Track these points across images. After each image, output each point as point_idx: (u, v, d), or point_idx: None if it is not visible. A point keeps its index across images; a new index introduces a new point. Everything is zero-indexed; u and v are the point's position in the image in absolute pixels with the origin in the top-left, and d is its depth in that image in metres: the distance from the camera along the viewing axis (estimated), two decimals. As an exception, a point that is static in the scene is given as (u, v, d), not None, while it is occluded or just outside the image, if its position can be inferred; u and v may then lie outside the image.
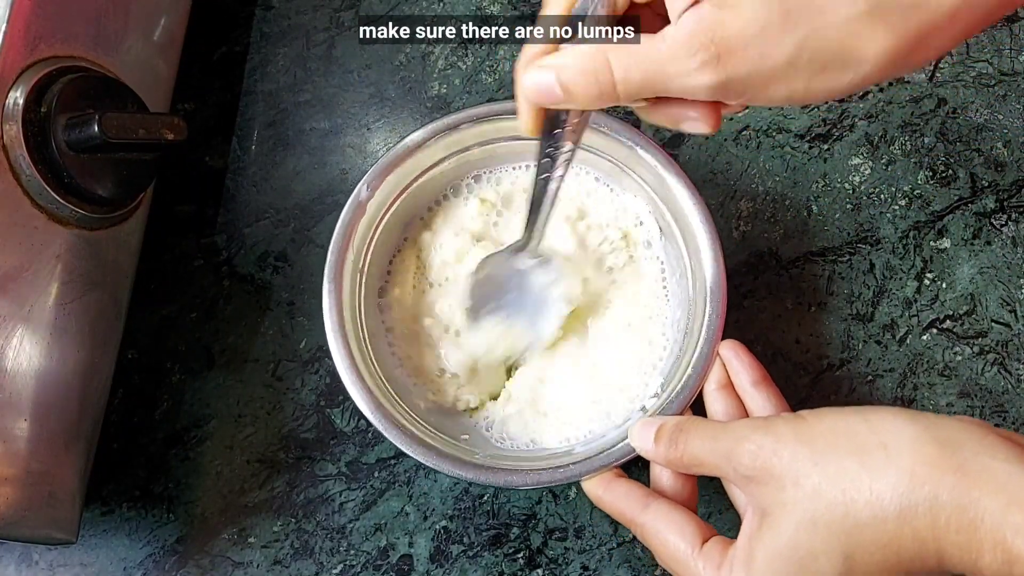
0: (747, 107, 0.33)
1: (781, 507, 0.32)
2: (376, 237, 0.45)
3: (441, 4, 0.56)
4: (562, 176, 0.38)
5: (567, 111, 0.35)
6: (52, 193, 0.40)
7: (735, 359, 0.41)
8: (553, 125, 0.36)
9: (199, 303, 0.51)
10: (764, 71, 0.29)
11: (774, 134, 0.51)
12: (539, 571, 0.45)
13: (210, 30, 0.56)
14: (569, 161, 0.37)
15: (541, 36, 0.33)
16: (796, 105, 0.36)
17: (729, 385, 0.41)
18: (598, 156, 0.46)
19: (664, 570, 0.45)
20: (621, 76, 0.31)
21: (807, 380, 0.47)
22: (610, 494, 0.38)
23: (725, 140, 0.51)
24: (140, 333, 0.51)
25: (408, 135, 0.45)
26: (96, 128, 0.40)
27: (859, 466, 0.31)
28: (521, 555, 0.46)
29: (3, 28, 0.39)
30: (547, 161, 0.37)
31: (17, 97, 0.39)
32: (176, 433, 0.49)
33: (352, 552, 0.46)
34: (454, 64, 0.54)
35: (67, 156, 0.40)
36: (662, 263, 0.46)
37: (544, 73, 0.32)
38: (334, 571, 0.46)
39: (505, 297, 0.44)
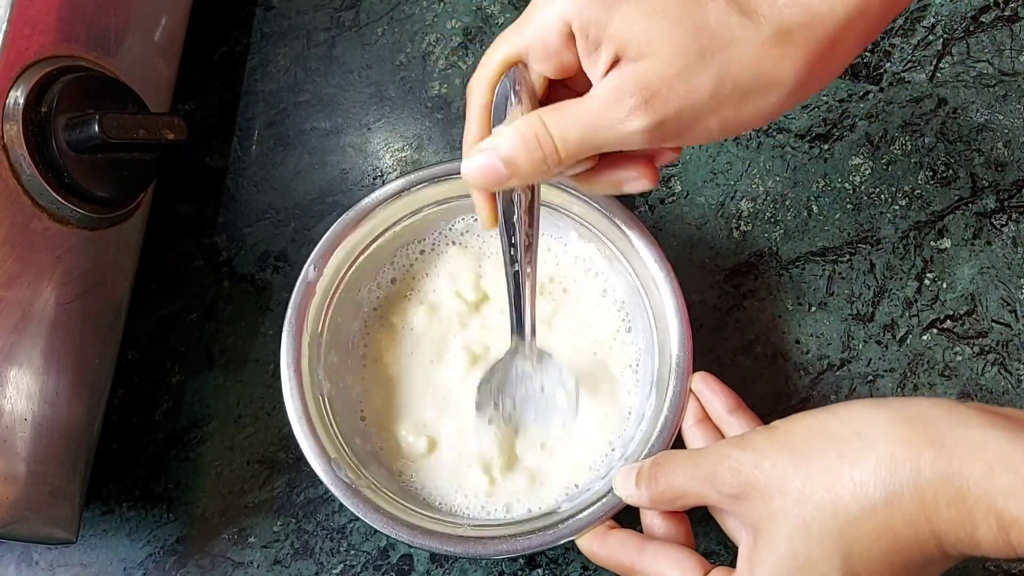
0: (679, 158, 0.35)
1: (772, 519, 0.32)
2: (330, 315, 0.45)
3: (441, 4, 0.56)
4: (532, 265, 0.38)
5: (518, 195, 0.36)
6: (52, 193, 0.40)
7: (707, 390, 0.41)
8: (508, 212, 0.37)
9: (199, 303, 0.51)
10: (692, 106, 0.30)
11: (775, 134, 0.51)
12: (539, 571, 0.45)
13: (210, 30, 0.56)
14: (533, 247, 0.38)
15: (473, 131, 0.35)
16: (731, 136, 0.37)
17: (706, 419, 0.41)
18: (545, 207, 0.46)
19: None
20: (559, 136, 0.32)
21: (807, 380, 0.47)
22: (605, 547, 0.38)
23: (725, 140, 0.51)
24: (140, 333, 0.51)
25: (350, 207, 0.45)
26: (96, 128, 0.40)
27: (838, 460, 0.31)
28: (521, 555, 0.46)
29: (4, 28, 0.39)
30: (513, 252, 0.38)
31: (18, 97, 0.39)
32: (176, 433, 0.49)
33: (352, 552, 0.46)
34: (454, 64, 0.54)
35: (67, 156, 0.40)
36: (624, 311, 0.46)
37: (484, 155, 0.33)
38: (334, 571, 0.46)
39: (513, 402, 0.43)
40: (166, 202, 0.52)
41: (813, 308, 0.48)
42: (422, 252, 0.48)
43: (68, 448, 0.44)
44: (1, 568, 0.48)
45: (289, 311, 0.43)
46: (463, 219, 0.47)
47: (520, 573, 0.45)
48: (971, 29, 0.52)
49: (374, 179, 0.53)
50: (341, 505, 0.47)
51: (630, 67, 0.30)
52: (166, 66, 0.51)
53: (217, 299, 0.51)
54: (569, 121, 0.32)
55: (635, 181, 0.35)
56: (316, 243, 0.51)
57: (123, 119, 0.41)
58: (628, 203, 0.45)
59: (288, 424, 0.48)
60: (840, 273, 0.48)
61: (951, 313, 0.47)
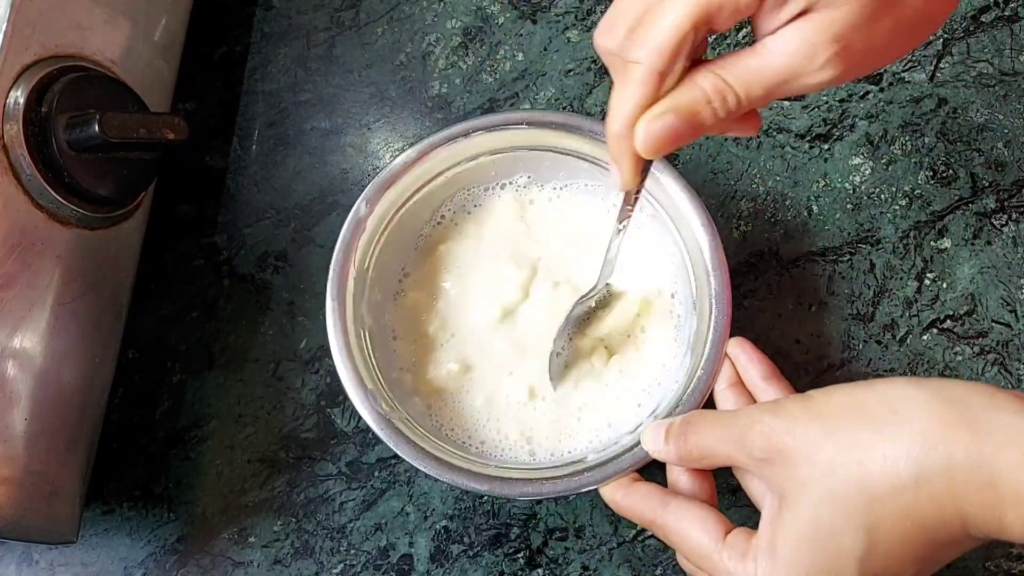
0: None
1: (798, 486, 0.32)
2: (377, 252, 0.45)
3: (441, 4, 0.56)
4: (631, 218, 0.40)
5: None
6: (53, 193, 0.40)
7: (743, 355, 0.41)
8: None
9: (199, 303, 0.51)
10: (872, 53, 0.31)
11: (774, 134, 0.51)
12: (539, 571, 0.45)
13: (211, 30, 0.56)
14: (639, 203, 0.40)
15: (638, 97, 0.32)
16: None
17: (739, 383, 0.41)
18: (593, 164, 0.46)
19: (664, 570, 0.45)
20: (744, 93, 0.31)
21: (808, 380, 0.47)
22: (629, 498, 0.38)
23: (725, 140, 0.51)
24: (140, 333, 0.51)
25: (406, 148, 0.45)
26: (97, 128, 0.40)
27: (871, 434, 0.30)
28: (521, 555, 0.46)
29: (4, 28, 0.39)
30: (627, 208, 0.39)
31: (18, 97, 0.39)
32: (176, 433, 0.49)
33: (352, 552, 0.46)
34: (455, 64, 0.54)
35: (68, 156, 0.40)
36: (668, 272, 0.46)
37: (668, 118, 0.32)
38: (334, 571, 0.46)
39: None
40: (166, 202, 0.52)
41: (813, 308, 0.48)
42: (473, 201, 0.48)
43: (68, 448, 0.44)
44: (2, 568, 0.48)
45: (338, 244, 0.43)
46: (516, 176, 0.48)
47: (520, 573, 0.45)
48: (971, 29, 0.52)
49: (374, 179, 0.53)
50: (341, 504, 0.47)
51: (822, 17, 0.30)
52: (166, 66, 0.51)
53: (217, 299, 0.51)
54: (755, 78, 0.31)
55: (742, 127, 0.34)
56: (316, 243, 0.51)
57: (123, 119, 0.41)
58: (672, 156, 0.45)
59: (288, 423, 0.49)
60: (840, 273, 0.48)
61: (951, 313, 0.47)
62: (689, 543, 0.35)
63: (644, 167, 0.36)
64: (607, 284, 0.44)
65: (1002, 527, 0.28)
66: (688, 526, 0.35)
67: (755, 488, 0.36)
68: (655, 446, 0.38)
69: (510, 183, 0.48)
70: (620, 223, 0.40)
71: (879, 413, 0.31)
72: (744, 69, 0.31)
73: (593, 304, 0.44)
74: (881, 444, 0.30)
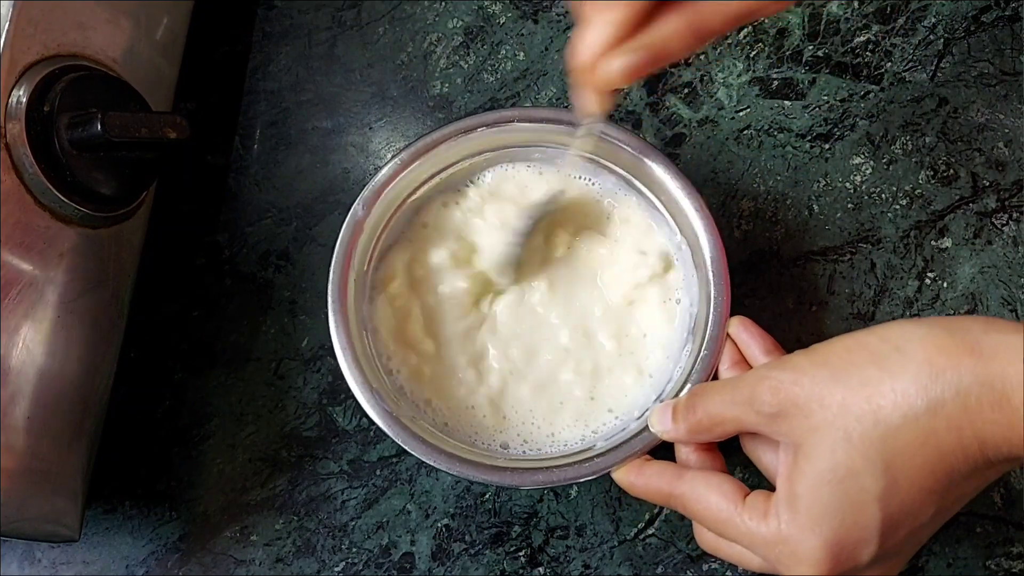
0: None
1: (812, 433, 0.32)
2: (376, 254, 0.45)
3: (442, 3, 0.56)
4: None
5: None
6: (55, 192, 0.40)
7: (744, 333, 0.41)
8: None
9: (201, 302, 0.51)
10: None
11: (775, 134, 0.51)
12: (540, 569, 0.45)
13: (212, 29, 0.56)
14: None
15: (608, 33, 0.32)
16: None
17: (742, 362, 0.41)
18: (595, 163, 0.46)
19: (665, 568, 0.45)
20: (717, 25, 0.31)
21: (808, 379, 0.47)
22: (643, 477, 0.38)
23: (726, 139, 0.51)
24: (142, 332, 0.51)
25: (407, 148, 0.45)
26: (99, 127, 0.40)
27: (879, 371, 0.31)
28: (522, 553, 0.46)
29: (6, 27, 0.39)
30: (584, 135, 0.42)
31: (20, 96, 0.39)
32: (178, 431, 0.49)
33: (354, 550, 0.47)
34: (456, 63, 0.54)
35: (70, 155, 0.40)
36: (664, 259, 0.46)
37: (638, 55, 0.32)
38: (336, 569, 0.46)
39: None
40: (168, 201, 0.52)
41: (814, 307, 0.48)
42: (468, 200, 0.48)
43: (71, 446, 0.44)
44: (4, 566, 0.48)
45: (337, 248, 0.43)
46: (507, 166, 0.48)
47: (522, 571, 0.45)
48: (972, 29, 0.52)
49: (376, 178, 0.53)
50: (343, 503, 0.47)
51: None
52: (168, 65, 0.51)
53: (219, 298, 0.51)
54: (725, 7, 0.31)
55: None
56: (318, 241, 0.52)
57: (125, 118, 0.41)
58: (674, 155, 0.46)
59: (289, 422, 0.49)
60: (841, 272, 0.48)
61: (952, 312, 0.47)
62: (709, 510, 0.35)
63: (611, 93, 0.36)
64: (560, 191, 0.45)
65: (1020, 442, 0.28)
66: (706, 493, 0.35)
67: (766, 455, 0.36)
68: (663, 426, 0.38)
69: (498, 178, 0.48)
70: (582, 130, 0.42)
71: (883, 351, 0.31)
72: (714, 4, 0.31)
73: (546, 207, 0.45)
74: (889, 379, 0.30)
